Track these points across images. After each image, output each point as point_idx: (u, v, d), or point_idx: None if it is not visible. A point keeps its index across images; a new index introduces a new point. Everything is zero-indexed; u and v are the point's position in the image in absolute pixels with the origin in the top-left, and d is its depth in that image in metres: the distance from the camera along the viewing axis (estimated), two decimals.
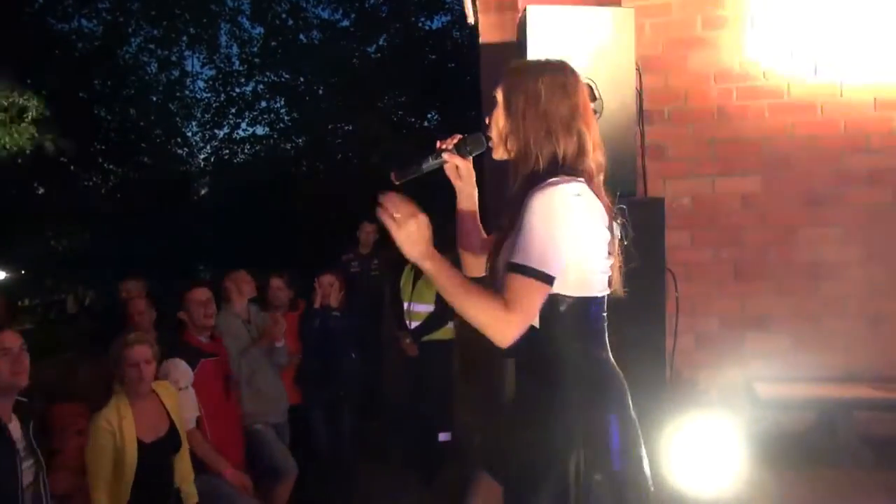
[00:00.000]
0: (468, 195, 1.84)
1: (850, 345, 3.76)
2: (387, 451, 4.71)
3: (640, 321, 3.05)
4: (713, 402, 3.70)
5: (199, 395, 3.22)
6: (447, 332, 4.38)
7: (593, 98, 3.00)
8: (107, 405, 2.63)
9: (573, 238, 1.53)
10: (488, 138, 1.74)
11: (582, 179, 1.59)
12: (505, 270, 1.55)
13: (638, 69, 3.28)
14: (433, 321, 4.32)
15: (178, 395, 2.95)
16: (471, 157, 1.80)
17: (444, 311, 4.33)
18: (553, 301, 1.56)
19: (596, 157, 1.66)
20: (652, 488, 1.67)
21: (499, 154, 1.72)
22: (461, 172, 1.80)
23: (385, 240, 5.29)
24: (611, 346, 1.73)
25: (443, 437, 4.34)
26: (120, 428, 2.58)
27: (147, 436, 2.68)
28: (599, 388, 1.62)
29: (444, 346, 4.39)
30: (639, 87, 3.33)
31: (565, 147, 1.61)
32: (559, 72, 1.65)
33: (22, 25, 11.03)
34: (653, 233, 3.12)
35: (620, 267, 1.70)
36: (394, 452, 4.70)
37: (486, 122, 1.74)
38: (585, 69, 3.11)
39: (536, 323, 1.58)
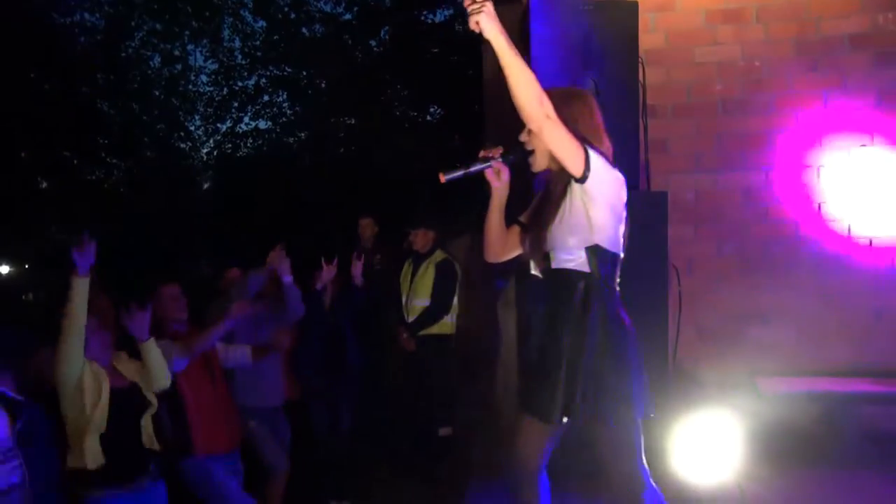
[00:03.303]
0: (502, 195, 2.21)
1: (855, 338, 3.76)
2: (387, 446, 4.72)
3: (643, 314, 3.02)
4: (715, 395, 3.70)
5: (185, 384, 3.24)
6: (446, 326, 4.39)
7: (596, 92, 3.00)
8: None
9: (619, 200, 2.06)
10: (529, 153, 2.12)
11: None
12: None
13: (642, 63, 3.28)
14: (428, 316, 4.33)
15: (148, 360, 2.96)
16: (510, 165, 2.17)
17: (439, 305, 4.34)
18: (600, 252, 2.02)
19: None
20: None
21: (540, 166, 2.13)
22: (501, 177, 2.18)
23: (385, 234, 5.31)
24: None
25: (443, 431, 4.35)
26: (91, 373, 2.65)
27: (115, 384, 2.75)
28: (623, 315, 2.10)
29: (443, 341, 4.39)
30: (642, 81, 3.32)
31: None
32: (584, 97, 2.14)
33: (24, 20, 11.02)
34: (656, 227, 3.12)
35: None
36: (394, 447, 4.71)
37: (524, 138, 2.12)
38: (589, 62, 3.11)
39: (588, 268, 2.02)
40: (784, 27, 3.83)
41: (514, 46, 1.87)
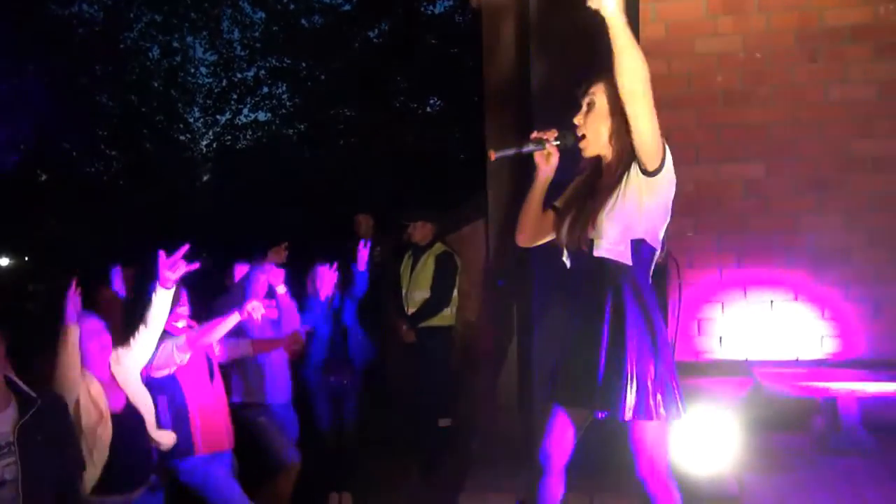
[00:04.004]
0: (547, 178, 2.19)
1: (854, 330, 3.76)
2: (388, 437, 4.74)
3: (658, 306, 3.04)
4: (715, 387, 3.70)
5: (184, 383, 3.23)
6: (446, 318, 4.39)
7: None
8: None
9: (671, 200, 2.06)
10: (580, 137, 2.09)
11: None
12: None
13: None
14: (428, 308, 4.33)
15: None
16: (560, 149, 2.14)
17: (439, 297, 4.34)
18: (644, 247, 2.02)
19: None
20: None
21: (592, 151, 2.10)
22: (551, 160, 2.15)
23: (382, 227, 5.31)
24: None
25: (442, 422, 4.36)
26: (89, 392, 2.65)
27: (114, 405, 2.75)
28: (659, 311, 2.08)
29: (443, 333, 4.39)
30: None
31: None
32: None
33: (23, 10, 10.97)
34: None
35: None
36: (394, 438, 4.72)
37: (578, 123, 2.09)
38: (591, 55, 3.10)
39: (629, 261, 2.00)
40: (785, 18, 3.81)
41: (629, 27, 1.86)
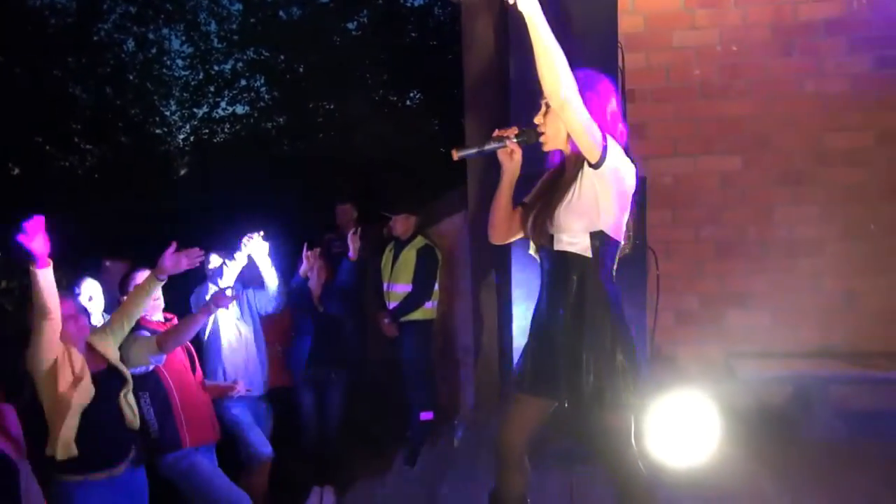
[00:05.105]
0: (513, 175, 2.19)
1: (827, 321, 3.83)
2: (370, 430, 4.74)
3: (622, 298, 3.07)
4: (693, 377, 3.76)
5: (168, 378, 3.21)
6: (427, 312, 4.39)
7: None
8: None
9: (628, 190, 2.06)
10: (541, 134, 2.11)
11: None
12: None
13: (620, 46, 3.27)
14: (410, 301, 4.33)
15: (128, 344, 2.96)
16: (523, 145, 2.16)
17: (420, 291, 4.34)
18: (604, 238, 2.04)
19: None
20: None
21: (552, 147, 2.13)
22: (514, 157, 2.16)
23: (364, 219, 5.28)
24: None
25: (424, 416, 4.36)
26: (69, 358, 2.63)
27: (92, 368, 2.73)
28: (620, 302, 2.13)
29: (424, 327, 4.40)
30: (621, 65, 3.32)
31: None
32: (605, 82, 2.11)
33: None
34: (634, 211, 3.13)
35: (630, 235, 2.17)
36: (376, 431, 4.72)
37: (538, 120, 2.11)
38: (569, 47, 3.10)
39: (590, 254, 2.03)
40: (761, 11, 3.85)
41: (545, 22, 1.85)
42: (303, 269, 4.19)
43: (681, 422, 2.90)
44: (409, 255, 4.39)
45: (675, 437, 2.89)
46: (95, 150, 13.90)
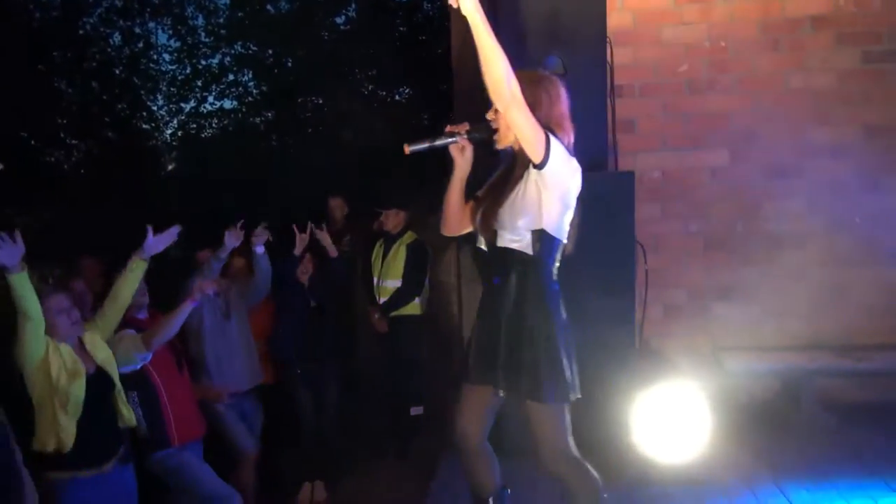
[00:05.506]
0: (464, 170, 2.23)
1: (814, 313, 3.86)
2: (360, 425, 4.74)
3: (611, 292, 3.09)
4: (681, 371, 3.78)
5: (155, 375, 3.20)
6: (416, 307, 4.40)
7: (564, 71, 3.00)
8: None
9: (571, 190, 2.09)
10: (494, 131, 2.14)
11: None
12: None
13: (609, 42, 3.28)
14: (400, 297, 4.33)
15: (115, 342, 2.96)
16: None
17: (411, 286, 4.34)
18: (545, 237, 2.08)
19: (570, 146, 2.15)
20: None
21: (503, 144, 2.15)
22: (465, 153, 2.20)
23: (354, 215, 5.27)
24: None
25: (414, 410, 4.37)
26: (59, 354, 2.63)
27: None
28: (558, 300, 2.16)
29: (414, 321, 4.40)
30: (610, 61, 3.33)
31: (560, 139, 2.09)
32: (551, 82, 2.13)
33: None
34: (623, 206, 3.15)
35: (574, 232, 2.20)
36: (368, 426, 4.72)
37: (490, 116, 2.13)
38: (557, 42, 3.11)
39: (531, 251, 2.08)
40: (749, 7, 3.88)
41: (489, 24, 1.90)
42: (297, 247, 4.13)
43: (669, 415, 2.92)
44: (399, 251, 4.39)
45: (663, 430, 2.90)
46: (81, 145, 13.78)
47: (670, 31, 3.92)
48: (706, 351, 3.87)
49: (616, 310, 3.11)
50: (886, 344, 3.75)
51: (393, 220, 4.42)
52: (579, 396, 2.14)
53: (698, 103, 3.93)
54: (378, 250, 4.52)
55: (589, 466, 2.16)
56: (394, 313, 4.35)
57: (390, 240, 4.45)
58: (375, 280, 4.46)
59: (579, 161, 2.13)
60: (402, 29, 13.10)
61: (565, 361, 2.10)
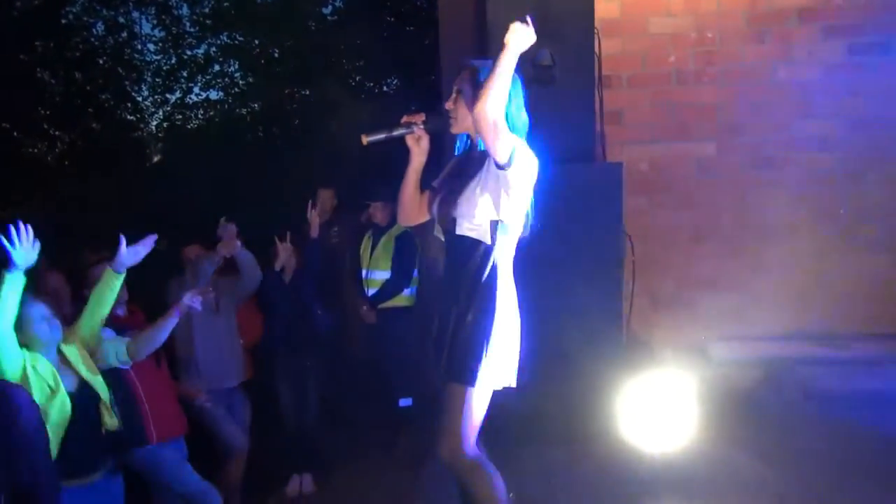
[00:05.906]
0: (420, 160, 2.28)
1: (800, 303, 3.90)
2: (348, 417, 4.74)
3: (598, 284, 3.11)
4: (668, 361, 3.81)
5: (133, 373, 3.15)
6: (405, 299, 4.39)
7: (552, 62, 3.00)
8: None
9: (529, 182, 2.11)
10: (450, 121, 2.20)
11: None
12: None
13: (597, 33, 3.28)
14: (389, 288, 4.33)
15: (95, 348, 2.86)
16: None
17: (399, 278, 4.33)
18: (502, 227, 2.12)
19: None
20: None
21: (458, 130, 2.22)
22: (421, 143, 2.25)
23: (343, 205, 5.25)
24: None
25: (403, 402, 4.37)
26: (36, 372, 2.53)
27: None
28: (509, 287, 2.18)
29: (402, 313, 4.40)
30: (597, 52, 3.33)
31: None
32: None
33: None
34: (611, 197, 3.16)
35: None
36: (355, 418, 4.72)
37: (449, 106, 2.20)
38: (545, 32, 3.10)
39: (489, 239, 2.11)
40: None
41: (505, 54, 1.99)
42: (279, 262, 4.09)
43: (656, 405, 2.94)
44: (387, 243, 4.39)
45: (650, 419, 2.93)
46: (65, 136, 13.61)
47: (657, 23, 3.92)
48: (692, 341, 3.90)
49: (603, 300, 3.12)
50: (867, 333, 3.80)
51: (382, 212, 4.41)
52: (510, 387, 2.15)
53: (685, 94, 3.94)
54: (367, 242, 4.51)
55: (489, 471, 2.12)
56: (382, 305, 4.34)
57: (379, 232, 4.45)
58: (364, 272, 4.46)
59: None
60: (389, 19, 13.03)
61: (494, 347, 2.10)
